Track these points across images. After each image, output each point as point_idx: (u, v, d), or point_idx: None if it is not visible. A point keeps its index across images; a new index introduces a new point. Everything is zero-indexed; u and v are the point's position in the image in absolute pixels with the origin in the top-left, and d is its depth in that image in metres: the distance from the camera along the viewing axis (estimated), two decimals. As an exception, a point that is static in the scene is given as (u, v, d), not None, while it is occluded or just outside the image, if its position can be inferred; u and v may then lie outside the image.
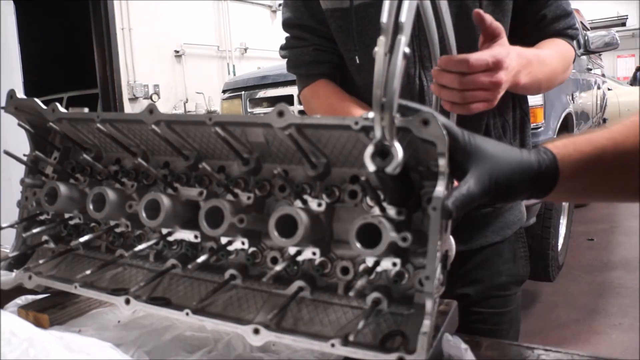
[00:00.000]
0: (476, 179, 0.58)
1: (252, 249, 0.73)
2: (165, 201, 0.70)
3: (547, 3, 1.13)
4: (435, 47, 0.92)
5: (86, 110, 0.81)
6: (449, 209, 0.55)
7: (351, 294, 0.59)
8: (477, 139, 0.61)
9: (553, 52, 1.10)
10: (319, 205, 0.69)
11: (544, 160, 0.63)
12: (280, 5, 10.14)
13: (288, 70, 1.29)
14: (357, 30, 1.11)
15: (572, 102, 3.67)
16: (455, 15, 1.01)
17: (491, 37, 0.91)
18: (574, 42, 1.19)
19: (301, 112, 2.48)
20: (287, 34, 1.26)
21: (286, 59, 1.28)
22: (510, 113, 1.18)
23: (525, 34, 1.13)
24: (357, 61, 1.13)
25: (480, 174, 0.59)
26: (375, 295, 0.62)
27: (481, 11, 0.89)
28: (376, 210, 0.62)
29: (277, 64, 4.32)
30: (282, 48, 1.29)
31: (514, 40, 0.98)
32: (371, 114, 0.55)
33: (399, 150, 0.54)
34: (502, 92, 0.90)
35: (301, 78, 1.26)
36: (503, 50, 0.89)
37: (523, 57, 0.97)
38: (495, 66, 0.87)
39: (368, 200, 0.67)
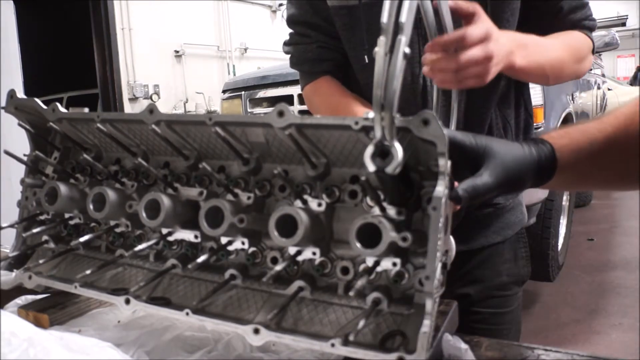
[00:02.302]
0: (489, 172, 0.63)
1: (252, 249, 0.73)
2: (165, 201, 0.70)
3: None
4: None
5: (86, 110, 0.81)
6: (459, 195, 0.59)
7: (351, 294, 0.59)
8: (483, 139, 0.65)
9: (557, 41, 1.07)
10: (319, 205, 0.69)
11: (543, 151, 0.67)
12: (280, 5, 10.14)
13: (291, 67, 1.28)
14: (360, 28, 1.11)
15: (572, 102, 3.67)
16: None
17: (470, 18, 0.87)
18: (591, 34, 1.15)
19: (301, 112, 2.48)
20: (291, 30, 1.26)
21: (289, 55, 1.28)
22: (512, 114, 1.17)
23: (542, 28, 1.09)
24: (366, 60, 1.13)
25: (492, 168, 0.63)
26: (375, 295, 0.62)
27: (453, 2, 0.85)
28: (376, 210, 0.62)
29: (277, 64, 4.31)
30: (285, 44, 1.28)
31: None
32: (371, 114, 0.55)
33: (399, 150, 0.54)
34: (494, 69, 0.87)
35: (304, 75, 1.26)
36: (486, 22, 0.87)
37: (517, 39, 0.95)
38: (485, 37, 0.85)
39: (368, 200, 0.67)
